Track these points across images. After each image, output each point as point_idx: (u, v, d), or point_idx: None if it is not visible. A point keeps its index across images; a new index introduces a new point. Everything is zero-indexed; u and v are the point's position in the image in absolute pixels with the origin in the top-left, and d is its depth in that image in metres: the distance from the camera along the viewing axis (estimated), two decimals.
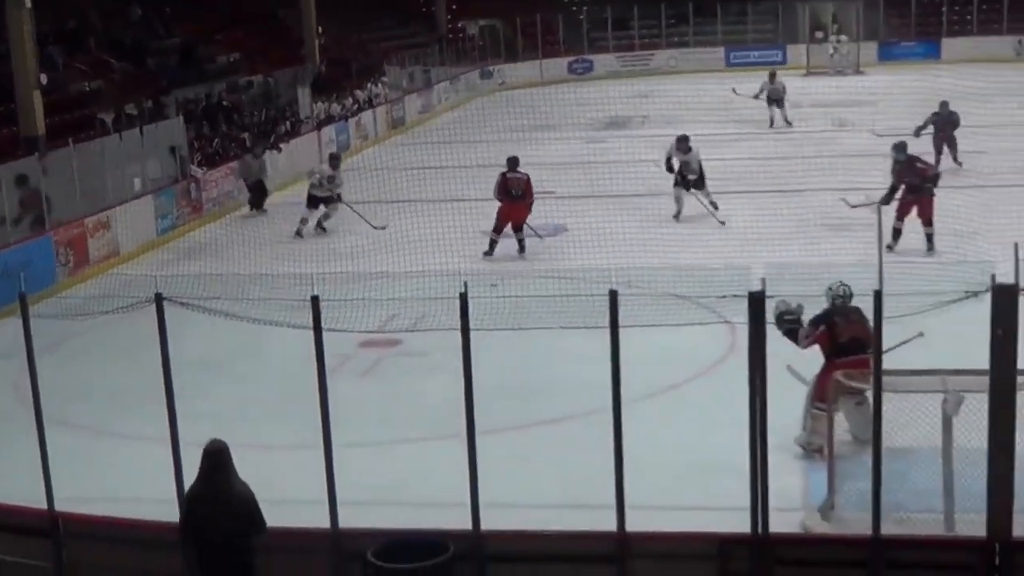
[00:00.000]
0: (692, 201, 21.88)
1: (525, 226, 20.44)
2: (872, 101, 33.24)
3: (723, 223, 21.10)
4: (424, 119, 40.19)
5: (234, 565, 8.43)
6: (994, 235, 16.25)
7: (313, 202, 23.25)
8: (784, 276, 12.66)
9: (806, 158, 24.06)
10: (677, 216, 22.09)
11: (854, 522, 9.60)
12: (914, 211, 18.73)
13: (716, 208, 21.80)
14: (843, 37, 48.77)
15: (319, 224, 23.25)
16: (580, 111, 34.89)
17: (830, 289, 11.72)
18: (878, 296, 8.38)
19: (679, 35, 52.52)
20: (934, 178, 18.78)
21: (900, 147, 19.31)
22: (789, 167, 23.90)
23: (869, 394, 10.49)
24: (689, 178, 22.33)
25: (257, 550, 8.48)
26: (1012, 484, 8.43)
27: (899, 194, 18.72)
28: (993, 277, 8.26)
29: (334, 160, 23.90)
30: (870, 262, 13.26)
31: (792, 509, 10.54)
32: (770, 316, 9.94)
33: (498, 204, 20.34)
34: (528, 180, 20.58)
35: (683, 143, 22.66)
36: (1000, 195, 21.93)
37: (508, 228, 20.21)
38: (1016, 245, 9.08)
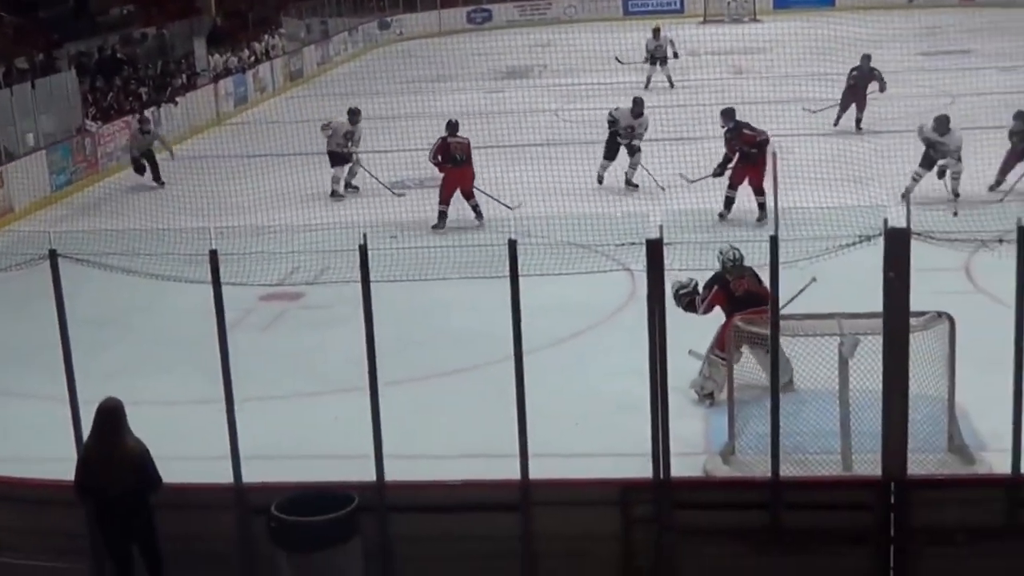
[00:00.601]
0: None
1: (478, 193, 19.29)
2: (767, 48, 33.55)
3: (663, 188, 20.00)
4: (323, 71, 39.84)
5: (132, 522, 8.41)
6: (887, 181, 16.52)
7: (336, 159, 21.62)
8: (682, 223, 12.83)
9: (704, 106, 24.22)
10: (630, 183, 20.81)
11: (754, 465, 9.77)
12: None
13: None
14: None
15: (348, 184, 21.78)
16: (479, 61, 34.81)
17: (721, 253, 11.90)
18: (774, 241, 8.48)
19: None
20: (761, 144, 18.12)
21: (727, 113, 18.90)
22: (686, 115, 24.06)
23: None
24: (634, 144, 20.81)
25: (155, 507, 8.45)
26: (906, 424, 8.59)
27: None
28: (885, 221, 8.38)
29: (353, 115, 21.86)
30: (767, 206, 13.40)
31: (694, 454, 10.70)
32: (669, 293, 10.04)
33: (441, 173, 19.27)
34: (469, 144, 19.43)
35: (638, 106, 21.07)
36: (892, 141, 22.23)
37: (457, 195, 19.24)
38: (907, 191, 9.25)
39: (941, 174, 18.04)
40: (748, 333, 10.97)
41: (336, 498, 8.45)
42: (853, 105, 24.69)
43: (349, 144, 21.51)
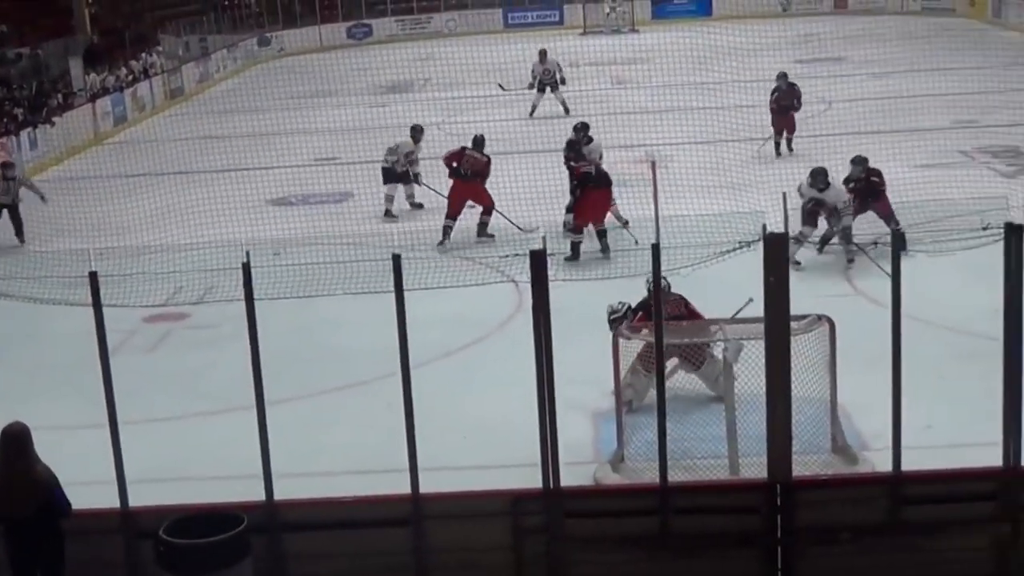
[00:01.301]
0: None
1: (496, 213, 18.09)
2: (647, 58, 33.87)
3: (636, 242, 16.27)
4: (203, 88, 39.47)
5: (39, 548, 8.26)
6: (765, 187, 16.75)
7: (390, 177, 20.30)
8: (563, 235, 12.91)
9: (586, 116, 24.39)
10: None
11: (643, 471, 9.85)
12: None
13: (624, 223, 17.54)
14: None
15: (413, 203, 20.60)
16: (361, 76, 34.72)
17: (648, 280, 11.88)
18: (656, 249, 8.58)
19: None
20: (583, 176, 17.41)
21: (569, 144, 18.86)
22: (567, 126, 24.20)
23: (716, 351, 10.81)
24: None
25: (65, 533, 8.32)
26: (790, 427, 8.73)
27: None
28: (764, 227, 8.54)
29: (416, 132, 20.50)
30: (648, 216, 13.54)
31: (584, 463, 10.75)
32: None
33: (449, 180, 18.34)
34: (485, 162, 18.32)
35: (582, 131, 19.32)
36: (771, 148, 22.61)
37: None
38: (784, 195, 9.42)
39: (824, 243, 16.17)
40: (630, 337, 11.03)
41: (225, 519, 8.36)
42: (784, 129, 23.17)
43: (410, 165, 20.17)
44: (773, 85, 23.00)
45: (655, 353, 8.83)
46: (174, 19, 43.15)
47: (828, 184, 16.03)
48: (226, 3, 49.74)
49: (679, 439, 10.12)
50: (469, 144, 18.73)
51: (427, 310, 11.76)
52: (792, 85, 23.21)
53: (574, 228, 16.35)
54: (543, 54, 29.86)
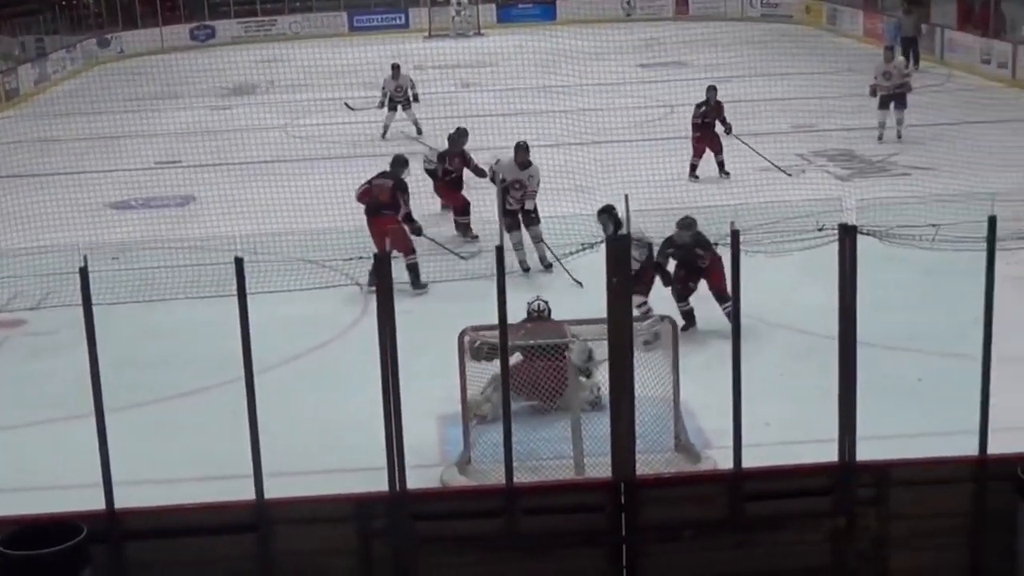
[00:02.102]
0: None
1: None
2: (493, 62, 34.01)
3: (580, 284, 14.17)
4: (40, 90, 38.54)
5: None
6: (609, 190, 16.92)
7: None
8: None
9: (432, 119, 24.42)
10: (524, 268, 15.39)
11: (490, 473, 9.88)
12: None
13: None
14: (464, 0, 49.52)
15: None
16: (204, 78, 34.24)
17: (528, 304, 11.89)
18: (499, 251, 8.62)
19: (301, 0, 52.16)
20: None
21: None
22: (418, 147, 24.20)
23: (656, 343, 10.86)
24: (527, 208, 16.17)
25: None
26: (633, 426, 8.84)
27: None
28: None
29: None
30: (493, 219, 13.59)
31: (431, 465, 10.76)
32: None
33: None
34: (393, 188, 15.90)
35: (522, 154, 16.76)
36: (613, 151, 22.84)
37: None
38: (627, 197, 9.54)
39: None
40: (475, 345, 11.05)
41: (64, 529, 8.19)
42: (708, 149, 21.26)
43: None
44: (699, 99, 21.45)
45: (500, 355, 8.85)
46: (9, 19, 42.08)
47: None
48: (64, 3, 48.65)
49: (525, 440, 10.20)
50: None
51: (272, 314, 11.66)
52: (719, 102, 21.41)
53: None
54: (395, 69, 27.22)
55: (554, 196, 18.41)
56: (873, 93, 23.75)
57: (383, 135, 26.25)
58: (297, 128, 27.70)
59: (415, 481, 8.97)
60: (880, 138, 23.42)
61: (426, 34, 48.24)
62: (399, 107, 26.78)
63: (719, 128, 21.14)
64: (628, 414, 8.80)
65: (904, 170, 20.39)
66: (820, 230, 9.03)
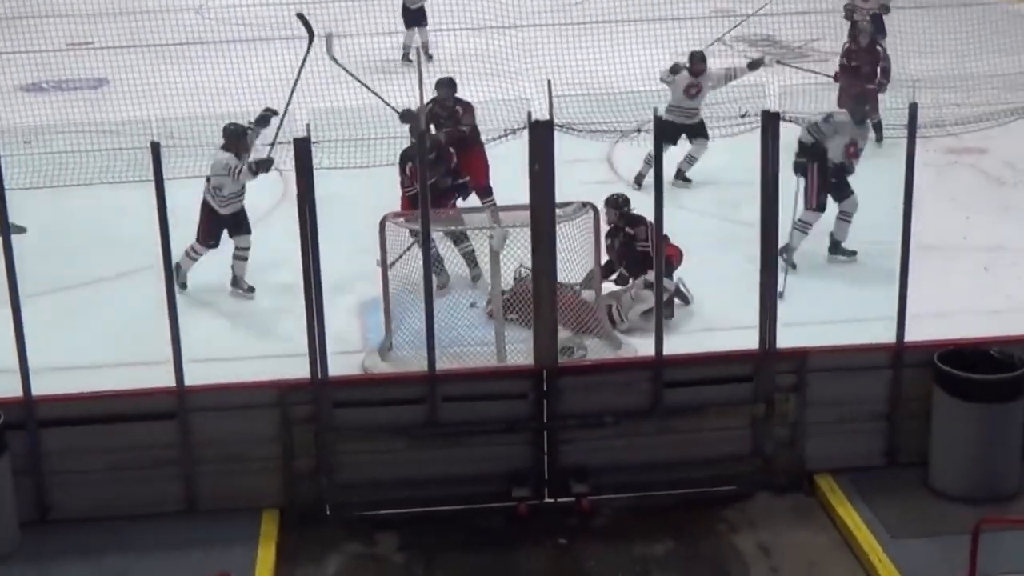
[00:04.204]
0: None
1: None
2: None
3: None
4: None
5: None
6: (532, 75, 16.77)
7: None
8: (330, 122, 12.73)
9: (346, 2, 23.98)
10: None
11: (412, 360, 9.84)
12: None
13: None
14: None
15: None
16: None
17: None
18: (421, 137, 8.55)
19: None
20: None
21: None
22: (330, 12, 23.77)
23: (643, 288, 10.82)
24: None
25: None
26: (555, 313, 8.85)
27: None
28: (529, 115, 8.55)
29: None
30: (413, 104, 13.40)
31: (352, 352, 10.72)
32: None
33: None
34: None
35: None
36: (534, 34, 22.57)
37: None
38: (549, 83, 9.44)
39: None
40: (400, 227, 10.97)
41: None
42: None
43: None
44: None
45: (422, 241, 8.78)
46: None
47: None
48: None
49: (447, 327, 10.18)
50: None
51: (188, 200, 11.48)
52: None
53: None
54: None
55: (474, 81, 18.23)
56: (849, 16, 18.84)
57: (405, 56, 21.63)
58: (212, 10, 27.10)
59: (337, 368, 8.93)
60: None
61: None
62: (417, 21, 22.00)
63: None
64: (550, 301, 8.80)
65: (825, 56, 20.35)
66: (743, 116, 9.00)
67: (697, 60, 14.99)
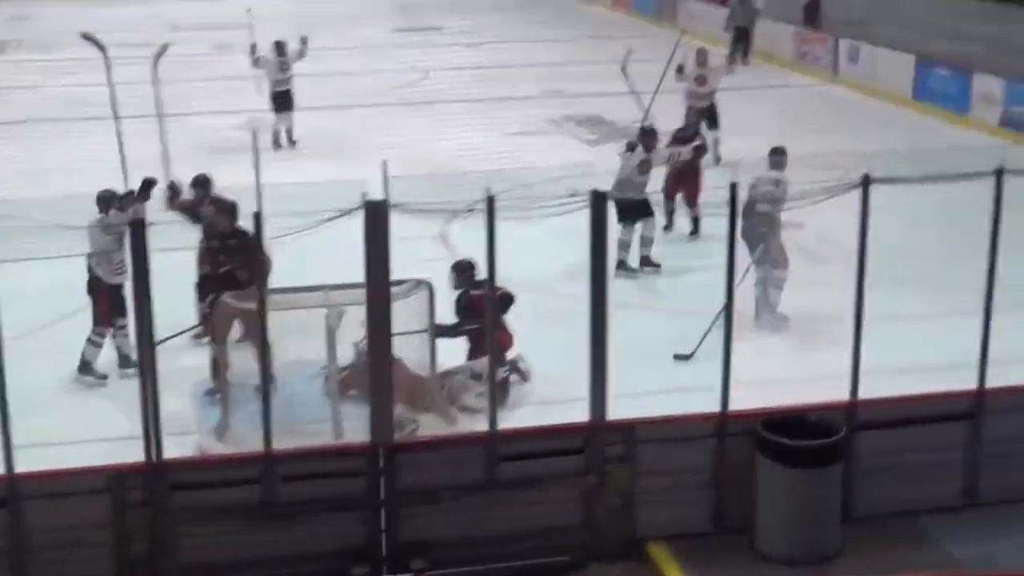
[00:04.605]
0: None
1: None
2: (251, 24, 33.43)
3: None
4: None
5: None
6: (370, 154, 16.95)
7: None
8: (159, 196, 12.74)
9: (186, 81, 23.94)
10: None
11: (249, 439, 9.83)
12: None
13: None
14: None
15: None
16: None
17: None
18: (258, 217, 8.62)
19: None
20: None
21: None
22: (171, 93, 23.68)
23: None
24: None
25: None
26: (392, 389, 8.98)
27: None
28: (364, 195, 8.71)
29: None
30: (250, 184, 13.46)
31: (188, 433, 10.66)
32: None
33: None
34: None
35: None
36: (370, 114, 22.83)
37: None
38: (385, 163, 9.63)
39: None
40: (237, 310, 11.01)
41: None
42: None
43: None
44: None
45: (259, 324, 8.85)
46: None
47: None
48: None
49: (284, 404, 10.19)
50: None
51: (22, 281, 11.37)
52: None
53: None
54: (280, 46, 21.70)
55: (311, 160, 18.40)
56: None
57: (275, 142, 21.21)
58: (49, 88, 26.83)
59: (172, 450, 8.91)
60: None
61: None
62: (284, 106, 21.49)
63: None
64: (384, 376, 8.93)
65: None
66: (572, 196, 9.28)
67: (650, 136, 15.15)
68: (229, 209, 11.98)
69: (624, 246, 14.58)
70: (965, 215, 12.00)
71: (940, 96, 24.21)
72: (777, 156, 13.74)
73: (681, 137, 16.29)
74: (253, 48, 21.08)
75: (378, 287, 8.80)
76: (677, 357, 12.06)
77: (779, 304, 13.15)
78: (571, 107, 23.94)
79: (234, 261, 11.43)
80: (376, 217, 8.65)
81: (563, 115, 23.27)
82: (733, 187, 9.06)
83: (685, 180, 15.96)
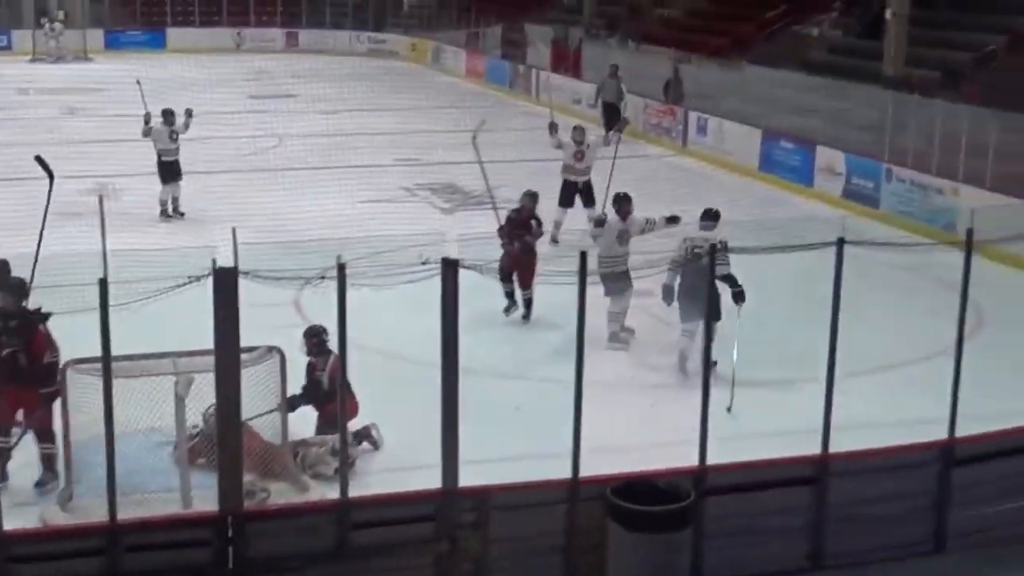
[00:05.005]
0: None
1: None
2: (100, 88, 33.15)
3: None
4: None
5: None
6: (219, 220, 16.85)
7: None
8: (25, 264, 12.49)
9: (35, 146, 23.50)
10: None
11: (94, 509, 9.63)
12: None
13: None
14: (57, 25, 47.80)
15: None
16: None
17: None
18: (103, 284, 8.50)
19: None
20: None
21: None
22: (18, 154, 23.25)
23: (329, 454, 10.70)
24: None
25: None
26: (241, 458, 8.88)
27: None
28: (214, 261, 8.65)
29: None
30: (97, 250, 13.27)
31: (29, 504, 10.41)
32: None
33: None
34: None
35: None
36: (222, 181, 22.67)
37: None
38: (234, 230, 9.58)
39: None
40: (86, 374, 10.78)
41: None
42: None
43: None
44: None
45: (104, 388, 8.70)
46: None
47: None
48: None
49: (131, 473, 10.00)
50: None
51: None
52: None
53: None
54: (168, 115, 21.28)
55: (159, 226, 18.19)
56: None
57: (163, 212, 21.09)
58: None
59: (12, 520, 8.68)
60: (555, 240, 19.18)
61: (30, 57, 46.50)
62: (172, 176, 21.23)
63: None
64: (235, 446, 8.83)
65: (504, 204, 21.07)
66: (424, 263, 9.31)
67: (625, 201, 14.98)
68: (15, 288, 11.38)
69: (615, 317, 14.63)
70: (809, 283, 12.28)
71: (785, 168, 24.87)
72: (709, 220, 14.01)
73: (516, 220, 15.90)
74: (147, 117, 20.79)
75: (227, 354, 8.72)
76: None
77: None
78: (425, 175, 24.04)
79: (14, 344, 10.97)
80: (225, 284, 8.58)
81: (417, 183, 23.37)
82: (582, 255, 9.18)
83: (519, 262, 15.64)
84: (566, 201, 19.91)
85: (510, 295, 15.67)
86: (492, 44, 43.01)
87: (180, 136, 20.78)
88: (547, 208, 17.65)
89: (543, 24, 41.41)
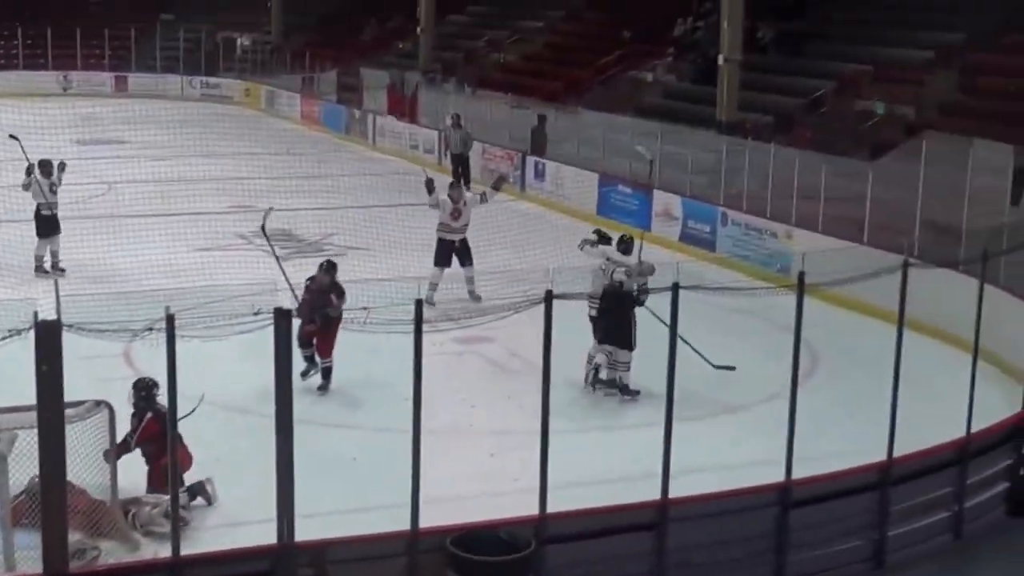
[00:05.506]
0: None
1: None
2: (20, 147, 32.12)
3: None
4: None
5: None
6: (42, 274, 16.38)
7: None
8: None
9: None
10: None
11: None
12: None
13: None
14: None
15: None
16: None
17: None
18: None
19: None
20: None
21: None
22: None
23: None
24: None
25: None
26: (65, 517, 8.57)
27: None
28: (36, 314, 8.35)
29: None
30: None
31: None
32: None
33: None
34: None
35: None
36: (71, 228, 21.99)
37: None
38: (56, 281, 9.30)
39: None
40: None
41: None
42: None
43: None
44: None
45: None
46: None
47: None
48: None
49: None
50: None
51: None
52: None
53: None
54: (45, 165, 20.32)
55: None
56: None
57: (38, 268, 19.48)
58: None
59: None
60: (431, 301, 17.39)
61: None
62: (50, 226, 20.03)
63: None
64: (60, 501, 8.52)
65: (340, 250, 20.91)
66: (256, 314, 9.11)
67: (629, 243, 14.80)
68: None
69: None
70: (648, 326, 12.36)
71: (623, 212, 25.04)
72: (626, 244, 14.70)
73: (315, 291, 14.69)
74: (29, 168, 19.90)
75: (50, 409, 8.41)
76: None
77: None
78: (259, 222, 23.67)
79: None
80: (48, 337, 8.29)
81: (251, 230, 23.01)
82: (418, 304, 9.08)
83: (318, 333, 14.62)
84: (442, 261, 18.68)
85: (309, 359, 14.80)
86: (327, 89, 42.84)
87: (58, 188, 20.02)
88: (423, 267, 17.57)
89: (379, 68, 41.36)
